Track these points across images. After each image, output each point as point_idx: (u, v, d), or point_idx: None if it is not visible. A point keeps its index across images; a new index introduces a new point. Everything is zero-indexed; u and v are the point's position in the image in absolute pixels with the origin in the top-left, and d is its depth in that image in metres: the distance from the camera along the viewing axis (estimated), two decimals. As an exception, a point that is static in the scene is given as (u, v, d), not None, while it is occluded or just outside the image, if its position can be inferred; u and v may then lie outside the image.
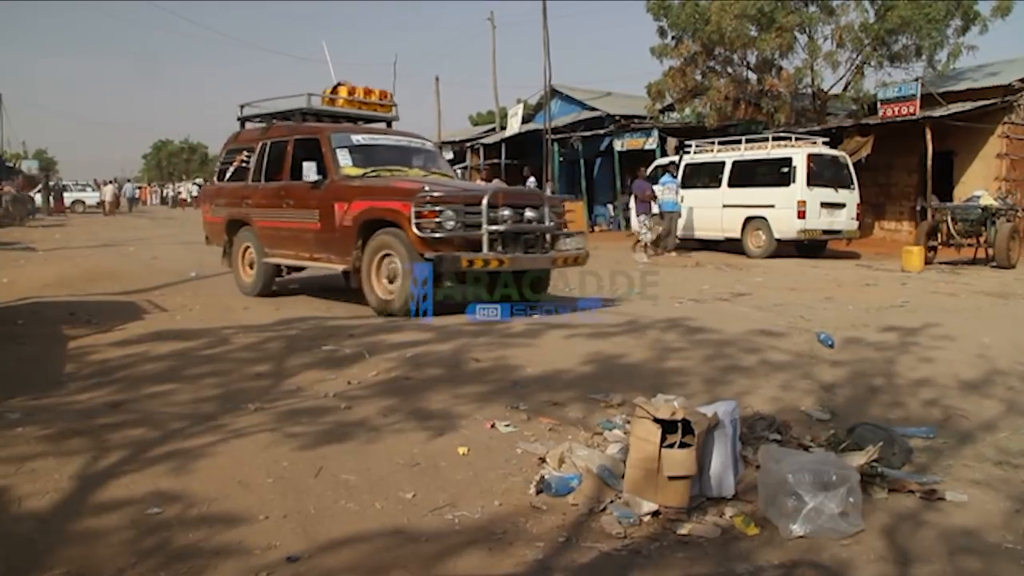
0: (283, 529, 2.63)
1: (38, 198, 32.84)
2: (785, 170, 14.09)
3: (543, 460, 3.23)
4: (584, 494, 2.91)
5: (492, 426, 3.69)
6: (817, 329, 5.92)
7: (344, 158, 7.67)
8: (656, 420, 2.85)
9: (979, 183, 15.57)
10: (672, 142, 19.60)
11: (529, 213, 7.14)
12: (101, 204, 34.33)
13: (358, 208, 7.17)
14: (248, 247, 8.73)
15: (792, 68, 18.99)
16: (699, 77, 20.06)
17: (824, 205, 14.05)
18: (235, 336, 5.98)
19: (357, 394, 4.27)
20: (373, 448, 3.40)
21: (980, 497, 3.00)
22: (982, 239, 12.73)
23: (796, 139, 15.00)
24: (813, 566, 2.46)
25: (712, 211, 15.13)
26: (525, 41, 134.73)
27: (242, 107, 9.39)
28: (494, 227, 6.77)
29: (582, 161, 23.30)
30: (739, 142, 15.37)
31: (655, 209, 14.24)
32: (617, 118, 22.14)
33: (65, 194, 36.29)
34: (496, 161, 26.38)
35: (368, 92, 9.07)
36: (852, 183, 14.69)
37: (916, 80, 17.11)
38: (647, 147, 20.57)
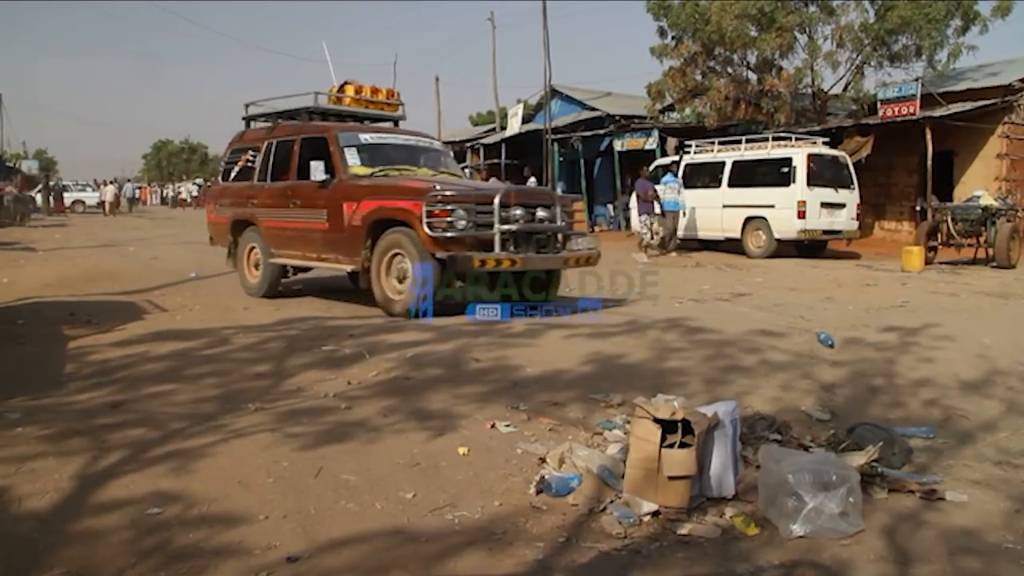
0: (283, 529, 2.63)
1: (38, 198, 32.86)
2: (785, 170, 14.10)
3: (543, 460, 3.23)
4: (584, 494, 2.91)
5: (492, 426, 3.69)
6: (817, 329, 5.92)
7: (352, 157, 7.62)
8: (656, 420, 2.85)
9: (979, 183, 15.57)
10: (672, 142, 19.62)
11: (541, 213, 7.09)
12: (101, 204, 34.29)
13: (367, 208, 7.12)
14: (253, 247, 8.66)
15: (792, 68, 19.00)
16: (699, 77, 20.06)
17: (824, 205, 14.06)
18: (235, 336, 5.98)
19: (357, 394, 4.27)
20: (373, 448, 3.39)
21: (980, 497, 3.00)
22: (982, 239, 12.73)
23: (796, 139, 15.00)
24: (813, 566, 2.46)
25: (712, 211, 15.13)
26: (525, 41, 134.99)
27: (247, 106, 9.34)
28: (506, 227, 6.71)
29: (582, 161, 23.30)
30: (739, 142, 15.37)
31: (657, 209, 14.25)
32: (617, 118, 22.14)
33: (65, 194, 36.28)
34: (496, 161, 26.38)
35: (375, 91, 9.02)
36: (852, 183, 14.69)
37: (916, 80, 17.11)
38: (647, 147, 20.57)
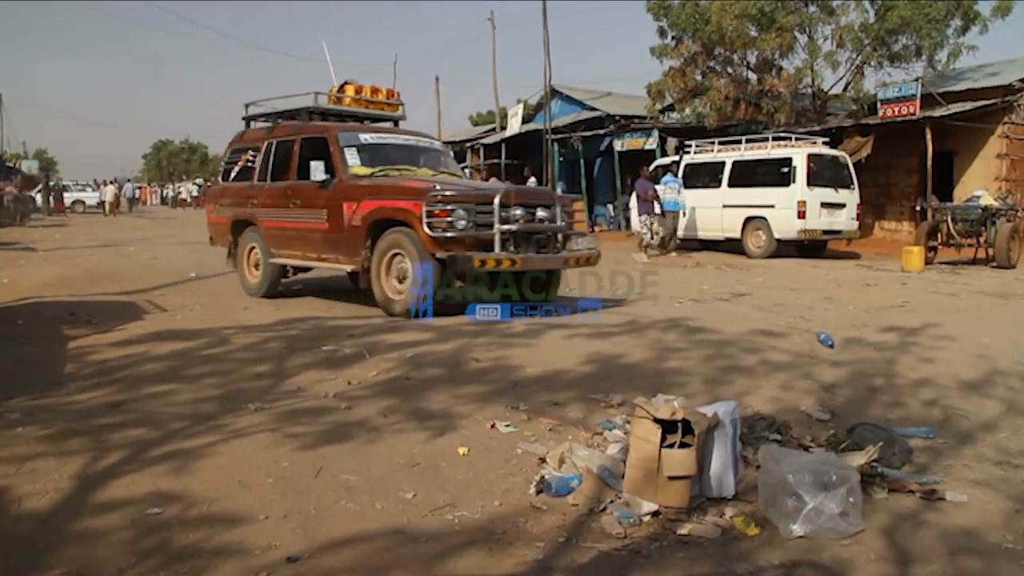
0: (283, 529, 2.63)
1: (38, 198, 32.85)
2: (785, 170, 14.09)
3: (543, 460, 3.23)
4: (584, 494, 2.91)
5: (492, 426, 3.69)
6: (817, 329, 5.92)
7: (352, 157, 7.62)
8: (656, 420, 2.85)
9: (979, 183, 15.57)
10: (672, 142, 19.61)
11: (541, 213, 7.09)
12: (101, 204, 34.29)
13: (367, 208, 7.11)
14: (253, 248, 8.65)
15: (792, 68, 19.00)
16: (699, 77, 20.06)
17: (824, 205, 14.06)
18: (235, 336, 5.98)
19: (357, 394, 4.27)
20: (373, 448, 3.39)
21: (980, 497, 3.00)
22: (982, 239, 12.73)
23: (796, 139, 15.00)
24: (813, 566, 2.46)
25: (712, 211, 15.13)
26: (525, 41, 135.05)
27: (247, 106, 9.33)
28: (506, 226, 6.71)
29: (582, 161, 23.30)
30: (739, 142, 15.37)
31: (657, 209, 14.25)
32: (617, 118, 22.14)
33: (65, 194, 36.29)
34: (496, 161, 26.38)
35: (375, 91, 9.01)
36: (852, 183, 14.69)
37: (916, 80, 17.11)
38: (647, 147, 20.57)
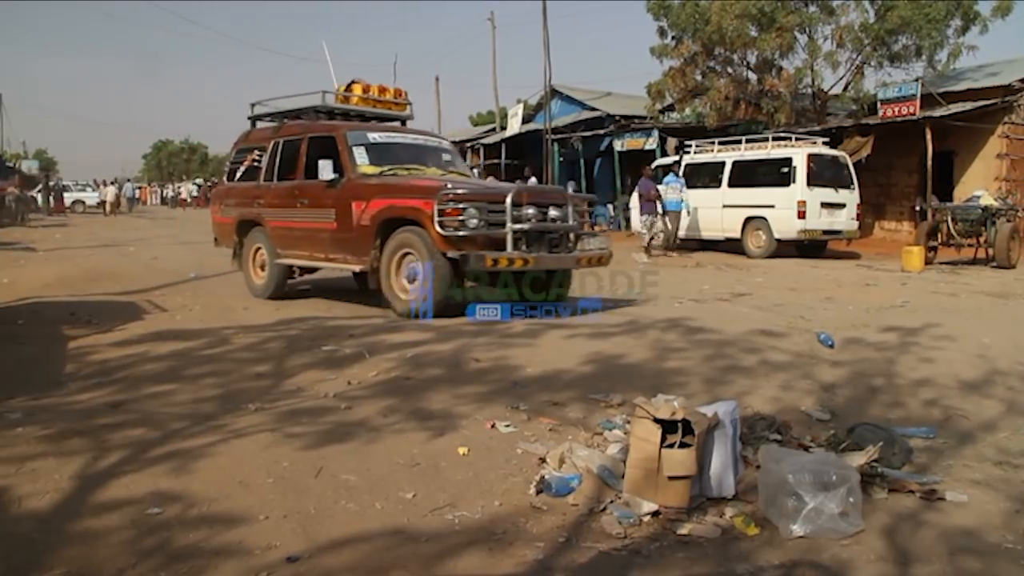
0: (283, 529, 2.63)
1: (38, 198, 32.85)
2: (785, 170, 14.10)
3: (543, 460, 3.23)
4: (584, 494, 2.91)
5: (492, 426, 3.69)
6: (817, 329, 5.91)
7: (361, 156, 7.56)
8: (656, 420, 2.85)
9: (979, 183, 15.57)
10: (672, 142, 19.62)
11: (553, 212, 7.04)
12: (101, 204, 34.29)
13: (377, 207, 7.06)
14: (259, 248, 8.56)
15: (792, 68, 19.00)
16: (699, 77, 20.06)
17: (824, 205, 14.06)
18: (235, 336, 5.97)
19: (357, 394, 4.27)
20: (373, 448, 3.39)
21: (980, 497, 3.00)
22: (982, 239, 12.73)
23: (796, 139, 15.00)
24: (813, 566, 2.46)
25: (712, 211, 15.13)
26: (525, 41, 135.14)
27: (253, 106, 9.26)
28: (518, 225, 6.66)
29: (582, 161, 23.31)
30: (739, 142, 15.37)
31: (659, 208, 14.25)
32: (617, 118, 22.14)
33: (65, 194, 36.25)
34: (496, 161, 26.39)
35: (383, 90, 8.95)
36: (852, 183, 14.69)
37: (916, 80, 17.12)
38: (647, 147, 20.58)
